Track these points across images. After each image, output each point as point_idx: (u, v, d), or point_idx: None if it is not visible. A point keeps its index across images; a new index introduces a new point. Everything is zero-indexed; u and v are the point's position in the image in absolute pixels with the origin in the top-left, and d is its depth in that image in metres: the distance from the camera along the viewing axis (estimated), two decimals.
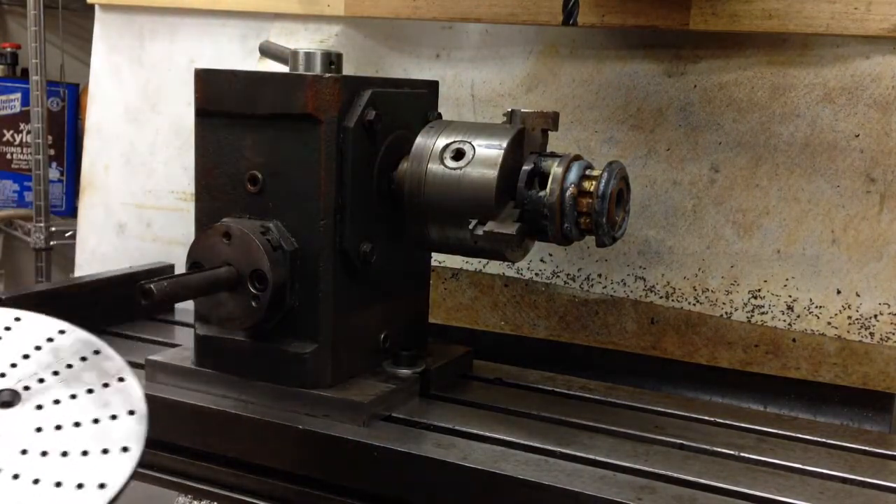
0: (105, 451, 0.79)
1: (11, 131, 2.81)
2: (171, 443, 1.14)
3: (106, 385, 0.84)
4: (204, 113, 1.15)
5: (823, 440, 1.14)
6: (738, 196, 1.37)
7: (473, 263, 1.55)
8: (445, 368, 1.25)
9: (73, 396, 0.83)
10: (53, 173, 2.73)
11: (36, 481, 0.76)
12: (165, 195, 1.81)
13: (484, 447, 1.05)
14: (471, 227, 1.05)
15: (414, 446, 1.03)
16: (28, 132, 2.71)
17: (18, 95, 2.77)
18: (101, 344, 0.89)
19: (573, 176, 1.04)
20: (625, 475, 0.99)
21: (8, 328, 0.89)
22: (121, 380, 0.85)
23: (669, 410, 1.21)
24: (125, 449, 0.79)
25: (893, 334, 1.30)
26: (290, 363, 1.11)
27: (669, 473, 1.00)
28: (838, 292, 1.33)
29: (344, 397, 1.09)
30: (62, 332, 0.90)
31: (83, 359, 0.87)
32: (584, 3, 1.37)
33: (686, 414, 1.20)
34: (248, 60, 1.68)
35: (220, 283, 1.07)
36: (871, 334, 1.31)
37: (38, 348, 0.88)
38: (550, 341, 1.51)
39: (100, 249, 1.89)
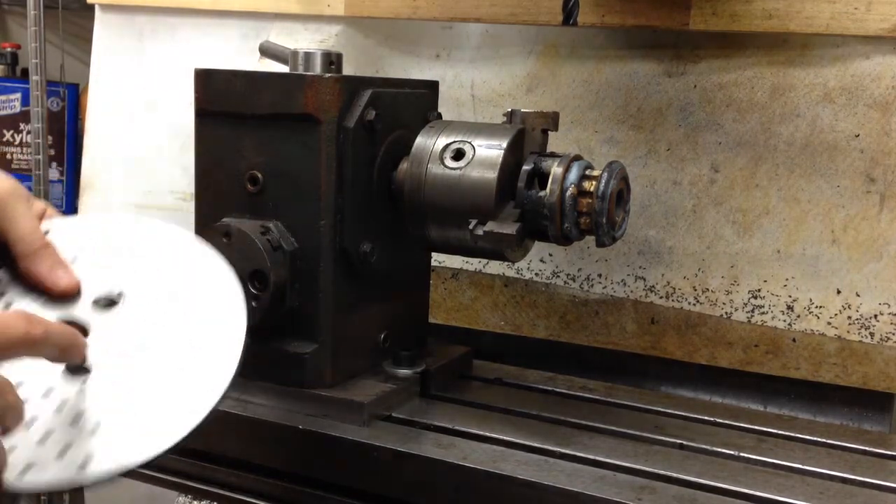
0: (212, 341, 0.80)
1: (11, 131, 2.80)
2: None
3: (195, 270, 0.86)
4: (204, 113, 1.15)
5: (823, 440, 1.14)
6: (738, 196, 1.37)
7: (473, 263, 1.55)
8: (445, 368, 1.25)
9: (174, 293, 0.84)
10: (53, 173, 2.73)
11: (149, 377, 0.77)
12: (165, 195, 1.80)
13: (484, 447, 1.05)
14: (471, 227, 1.05)
15: (414, 446, 1.03)
16: (28, 132, 2.71)
17: (18, 95, 2.77)
18: (183, 233, 0.90)
19: (573, 176, 1.04)
20: (625, 475, 0.99)
21: (85, 232, 0.90)
22: (201, 253, 0.86)
23: (669, 410, 1.21)
24: (226, 340, 0.80)
25: (893, 334, 1.30)
26: (290, 363, 1.11)
27: (669, 473, 1.00)
28: (838, 292, 1.33)
29: (344, 397, 1.09)
30: (138, 221, 0.91)
31: (167, 249, 0.88)
32: (584, 3, 1.37)
33: (686, 414, 1.20)
34: (248, 60, 1.68)
35: None
36: (871, 334, 1.31)
37: (120, 248, 0.88)
38: (550, 341, 1.51)
39: None
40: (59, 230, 0.89)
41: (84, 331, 0.81)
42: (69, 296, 0.84)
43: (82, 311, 0.83)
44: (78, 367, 0.78)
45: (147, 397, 0.77)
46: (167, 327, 0.82)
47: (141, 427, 0.76)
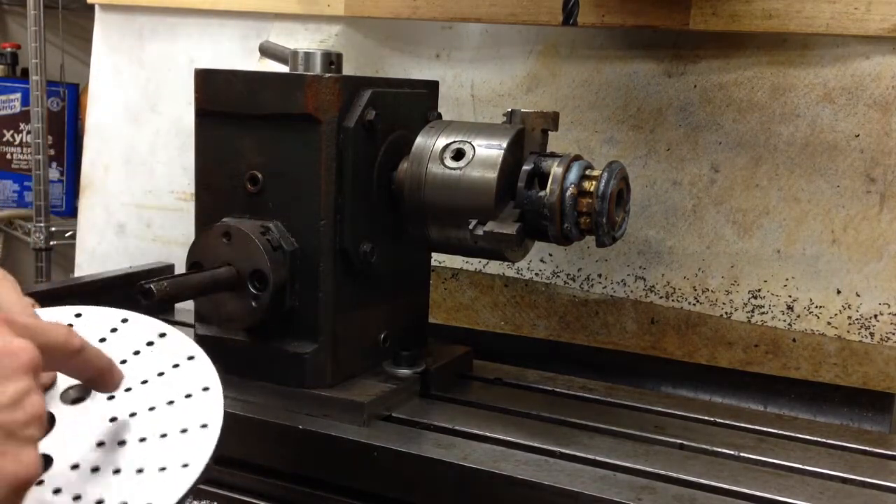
0: (184, 431, 0.76)
1: (11, 131, 2.80)
2: None
3: (176, 366, 0.82)
4: (204, 113, 1.15)
5: (823, 440, 1.14)
6: (738, 196, 1.37)
7: (473, 263, 1.55)
8: (445, 368, 1.25)
9: (145, 382, 0.81)
10: (53, 173, 2.73)
11: (117, 471, 0.74)
12: (165, 195, 1.80)
13: (484, 447, 1.05)
14: (471, 227, 1.05)
15: (414, 446, 1.03)
16: (28, 132, 2.71)
17: (18, 95, 2.77)
18: (166, 327, 0.87)
19: (573, 176, 1.04)
20: (625, 475, 0.99)
21: (70, 325, 0.86)
22: (190, 358, 0.83)
23: (669, 410, 1.21)
24: (204, 426, 0.77)
25: (893, 334, 1.30)
26: (290, 363, 1.11)
27: (669, 473, 1.00)
28: (838, 292, 1.33)
29: (344, 397, 1.09)
30: (125, 320, 0.88)
31: (150, 343, 0.85)
32: (584, 3, 1.37)
33: (686, 414, 1.20)
34: (248, 60, 1.68)
35: (220, 283, 1.07)
36: (871, 334, 1.31)
37: (102, 340, 0.85)
38: (550, 341, 1.51)
39: (100, 249, 1.89)
40: (49, 317, 0.84)
41: (51, 421, 0.78)
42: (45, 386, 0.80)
43: (52, 402, 0.79)
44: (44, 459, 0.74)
45: (109, 491, 0.73)
46: (134, 426, 0.78)
47: None
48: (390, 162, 1.15)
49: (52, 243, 2.61)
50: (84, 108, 2.43)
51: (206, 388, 0.80)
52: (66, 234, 2.60)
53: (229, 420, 1.08)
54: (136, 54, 1.83)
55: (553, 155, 1.10)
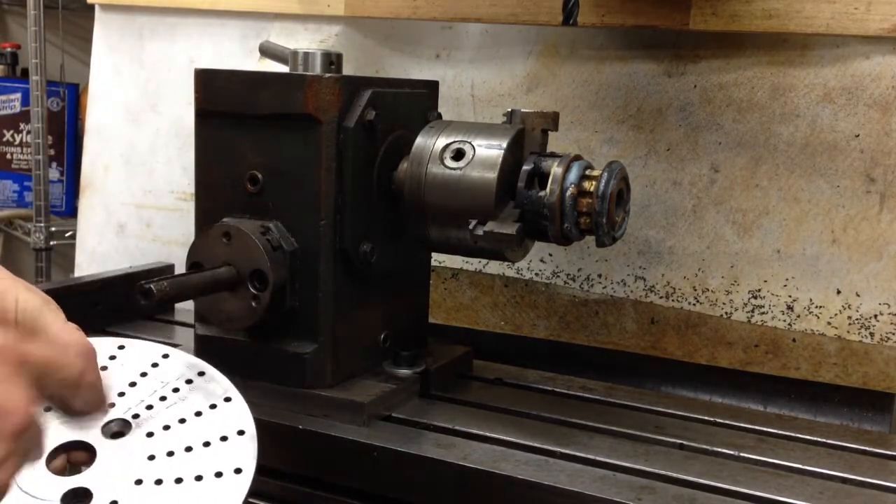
0: (219, 475, 0.78)
1: (11, 131, 2.81)
2: None
3: (213, 406, 0.84)
4: (204, 113, 1.15)
5: (823, 440, 1.14)
6: (738, 196, 1.37)
7: (473, 263, 1.55)
8: (445, 368, 1.25)
9: (182, 421, 0.82)
10: (53, 173, 2.73)
11: None
12: (165, 195, 1.81)
13: (484, 447, 1.05)
14: (471, 227, 1.05)
15: (414, 446, 1.03)
16: (28, 132, 2.71)
17: (18, 95, 2.77)
18: (205, 366, 0.88)
19: (573, 176, 1.04)
20: (625, 475, 0.99)
21: (112, 357, 0.88)
22: (227, 399, 0.84)
23: (669, 410, 1.21)
24: (238, 471, 0.78)
25: (893, 334, 1.30)
26: (290, 363, 1.11)
27: (669, 473, 1.00)
28: (838, 292, 1.33)
29: (344, 397, 1.09)
30: (166, 356, 0.89)
31: (189, 381, 0.86)
32: (584, 3, 1.37)
33: (686, 414, 1.20)
34: (248, 60, 1.68)
35: (220, 283, 1.07)
36: (871, 334, 1.31)
37: (143, 375, 0.87)
38: (550, 341, 1.51)
39: (100, 249, 1.89)
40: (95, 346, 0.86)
41: (92, 455, 0.80)
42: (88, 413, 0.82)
43: (93, 434, 0.81)
44: (80, 494, 0.76)
45: None
46: (171, 465, 0.79)
47: None
48: (390, 162, 1.15)
49: (52, 243, 2.61)
50: (84, 108, 2.43)
51: (241, 432, 0.82)
52: (66, 234, 2.60)
53: None
54: (136, 54, 1.83)
55: (553, 155, 1.10)
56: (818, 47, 1.31)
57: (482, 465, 0.99)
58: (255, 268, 1.07)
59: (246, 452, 0.80)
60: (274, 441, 1.08)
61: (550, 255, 1.49)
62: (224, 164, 1.14)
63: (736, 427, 1.17)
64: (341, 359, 1.13)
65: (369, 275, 1.14)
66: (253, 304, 1.08)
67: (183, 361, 0.89)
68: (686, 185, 1.40)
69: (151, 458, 0.79)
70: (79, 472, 0.79)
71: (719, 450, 1.08)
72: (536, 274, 1.51)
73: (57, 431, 0.81)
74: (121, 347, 0.90)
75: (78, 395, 0.81)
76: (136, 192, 1.84)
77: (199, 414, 0.83)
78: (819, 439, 1.14)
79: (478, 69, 1.53)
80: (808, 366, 1.35)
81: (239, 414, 0.84)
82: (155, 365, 0.88)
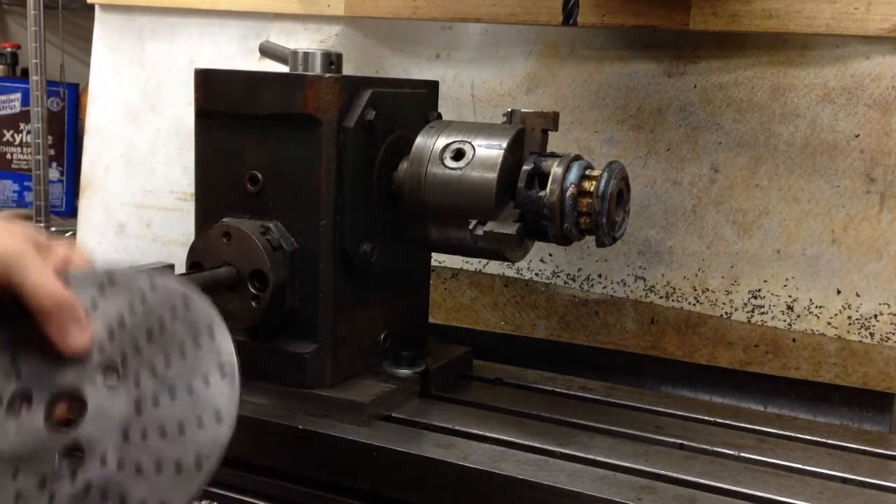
0: (200, 424, 0.79)
1: (11, 131, 2.80)
2: None
3: (197, 341, 0.84)
4: (204, 113, 1.15)
5: (823, 440, 1.14)
6: (738, 196, 1.37)
7: (473, 263, 1.55)
8: (445, 368, 1.25)
9: (168, 363, 0.82)
10: (53, 173, 2.73)
11: (138, 468, 0.76)
12: (165, 195, 1.80)
13: (484, 447, 1.05)
14: (471, 227, 1.05)
15: (414, 446, 1.03)
16: (28, 132, 2.71)
17: (18, 95, 2.77)
18: (188, 293, 0.87)
19: (573, 176, 1.04)
20: (625, 475, 0.99)
21: (102, 291, 0.88)
22: (210, 331, 0.84)
23: (669, 410, 1.21)
24: (219, 416, 0.79)
25: (893, 334, 1.30)
26: (290, 363, 1.11)
27: (669, 473, 1.00)
28: (838, 292, 1.33)
29: (344, 397, 1.09)
30: (153, 286, 0.88)
31: (173, 312, 0.86)
32: (584, 3, 1.37)
33: (686, 414, 1.20)
34: (248, 60, 1.68)
35: (220, 283, 1.07)
36: (871, 334, 1.31)
37: (131, 309, 0.86)
38: (550, 341, 1.51)
39: (100, 249, 1.89)
40: (81, 281, 0.87)
41: (83, 405, 0.80)
42: (79, 356, 0.82)
43: (85, 376, 0.82)
44: (74, 450, 0.77)
45: (146, 470, 0.76)
46: (156, 415, 0.80)
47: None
48: (390, 162, 1.15)
49: None
50: (84, 108, 2.43)
51: (222, 372, 0.82)
52: (66, 234, 2.59)
53: None
54: (136, 54, 1.83)
55: (553, 155, 1.10)
56: (818, 47, 1.31)
57: (482, 465, 0.99)
58: (255, 268, 1.07)
59: (227, 395, 0.80)
60: (274, 441, 1.08)
61: (550, 255, 1.49)
62: (224, 164, 1.14)
63: (736, 427, 1.17)
64: (341, 359, 1.13)
65: (369, 275, 1.14)
66: (253, 304, 1.08)
67: (168, 290, 0.88)
68: (686, 185, 1.40)
69: (138, 407, 0.80)
70: (73, 424, 0.79)
71: (719, 450, 1.09)
72: (536, 274, 1.51)
73: (49, 382, 0.81)
74: (109, 280, 0.89)
75: (60, 344, 0.82)
76: (136, 192, 1.84)
77: (183, 353, 0.83)
78: (819, 439, 1.14)
79: (478, 69, 1.53)
80: (808, 366, 1.35)
81: (221, 351, 0.84)
82: (142, 298, 0.87)
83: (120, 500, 0.75)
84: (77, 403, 0.81)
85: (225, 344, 0.84)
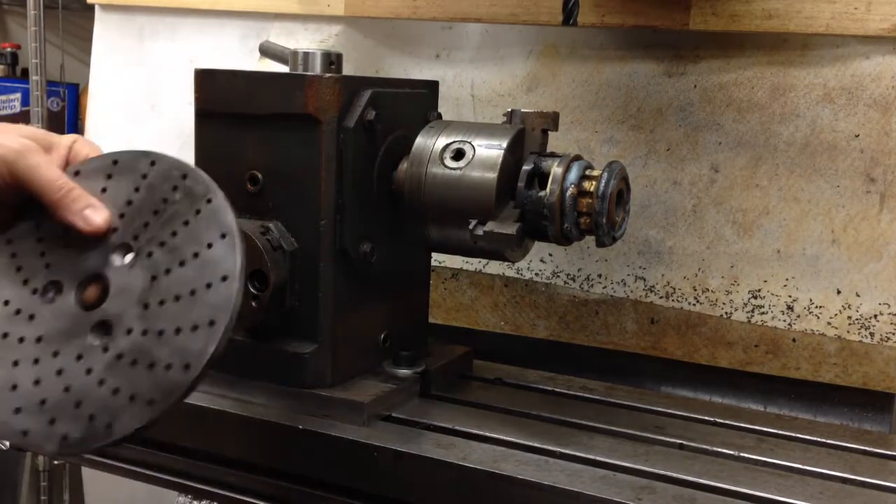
0: (209, 286, 0.85)
1: None
2: (171, 443, 1.15)
3: (198, 211, 0.89)
4: (204, 113, 1.15)
5: (823, 440, 1.14)
6: (738, 196, 1.37)
7: (473, 263, 1.55)
8: (445, 368, 1.25)
9: (174, 234, 0.89)
10: None
11: (160, 332, 0.84)
12: None
13: (484, 447, 1.05)
14: (471, 227, 1.05)
15: (414, 446, 1.03)
16: None
17: (18, 95, 2.77)
18: (186, 167, 0.94)
19: (573, 176, 1.04)
20: (625, 475, 0.99)
21: (109, 175, 0.97)
22: (209, 201, 0.90)
23: (669, 410, 1.21)
24: (224, 278, 0.85)
25: (893, 334, 1.30)
26: (290, 363, 1.11)
27: (669, 473, 1.00)
28: (838, 292, 1.33)
29: (344, 397, 1.09)
30: (153, 163, 0.96)
31: (174, 187, 0.92)
32: (584, 3, 1.37)
33: (686, 414, 1.20)
34: (248, 60, 1.68)
35: None
36: (871, 334, 1.31)
37: (136, 190, 0.94)
38: (550, 341, 1.51)
39: None
40: (89, 170, 0.97)
41: (106, 286, 0.88)
42: (102, 234, 0.91)
43: (105, 258, 0.90)
44: (102, 326, 0.86)
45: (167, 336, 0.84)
46: (170, 283, 0.86)
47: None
48: (390, 162, 1.15)
49: None
50: (84, 108, 2.43)
51: (223, 236, 0.87)
52: None
53: (230, 420, 1.09)
54: (136, 54, 1.83)
55: (553, 155, 1.10)
56: (818, 47, 1.31)
57: (482, 465, 0.99)
58: (255, 268, 1.07)
59: (230, 257, 0.86)
60: (274, 441, 1.08)
61: (550, 255, 1.49)
62: (224, 164, 1.14)
63: (736, 427, 1.17)
64: (341, 359, 1.13)
65: (369, 275, 1.14)
66: (253, 304, 1.08)
67: (167, 166, 0.95)
68: (686, 185, 1.40)
69: (154, 278, 0.87)
70: (99, 304, 0.88)
71: (719, 450, 1.09)
72: (536, 274, 1.51)
73: (75, 269, 0.90)
74: (115, 163, 0.98)
75: (81, 227, 0.90)
76: None
77: (186, 223, 0.89)
78: (819, 439, 1.14)
79: (478, 69, 1.53)
80: (808, 366, 1.35)
81: (220, 217, 0.89)
82: (144, 176, 0.95)
83: (149, 365, 0.82)
84: (101, 283, 0.89)
85: (222, 209, 0.89)
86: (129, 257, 0.90)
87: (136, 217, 0.91)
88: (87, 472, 2.10)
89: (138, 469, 1.19)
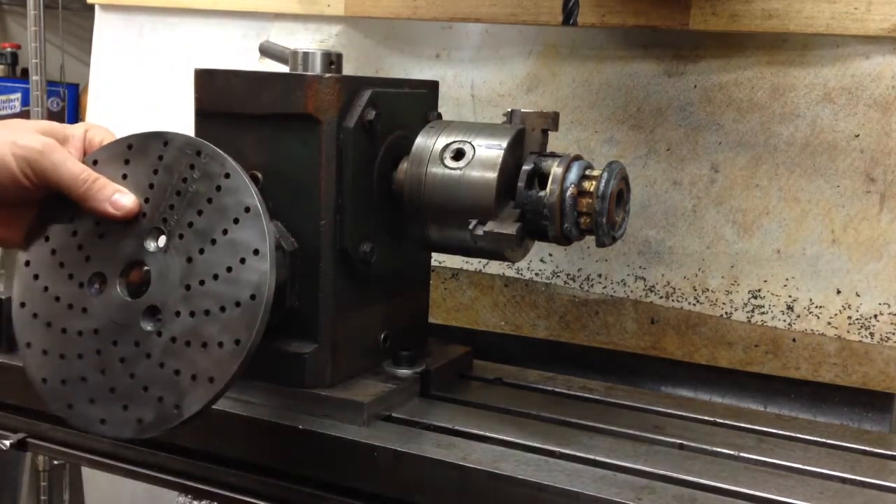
0: (242, 261, 0.89)
1: None
2: (170, 443, 1.15)
3: (218, 188, 0.92)
4: (204, 113, 1.15)
5: (823, 440, 1.14)
6: (738, 196, 1.37)
7: (473, 263, 1.55)
8: (445, 368, 1.25)
9: (200, 213, 0.92)
10: None
11: (206, 312, 0.88)
12: None
13: (484, 447, 1.05)
14: (471, 227, 1.05)
15: (414, 446, 1.03)
16: None
17: (18, 95, 2.77)
18: (199, 143, 0.96)
19: (573, 176, 1.04)
20: (625, 475, 0.99)
21: (127, 161, 0.98)
22: (227, 176, 0.93)
23: (669, 410, 1.21)
24: (256, 252, 0.88)
25: (893, 334, 1.30)
26: (290, 363, 1.11)
27: (669, 473, 1.00)
28: (838, 292, 1.33)
29: (344, 397, 1.09)
30: (166, 143, 0.97)
31: (191, 166, 0.94)
32: (584, 3, 1.37)
33: (686, 414, 1.20)
34: (248, 60, 1.68)
35: None
36: (871, 334, 1.31)
37: (155, 172, 0.96)
38: (550, 341, 1.51)
39: None
40: (107, 157, 0.98)
41: (147, 274, 0.92)
42: (133, 217, 0.93)
43: (140, 244, 0.94)
44: (152, 311, 0.90)
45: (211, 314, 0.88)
46: (205, 263, 0.90)
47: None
48: (390, 162, 1.15)
49: None
50: (84, 108, 2.43)
51: (247, 209, 0.90)
52: None
53: (230, 420, 1.09)
54: (136, 54, 1.83)
55: (553, 155, 1.10)
56: (818, 47, 1.31)
57: (482, 465, 0.99)
58: None
59: (257, 230, 0.89)
60: (274, 441, 1.08)
61: (550, 255, 1.49)
62: None
63: (736, 427, 1.17)
64: (341, 359, 1.13)
65: (369, 275, 1.14)
66: None
67: (181, 144, 0.96)
68: (686, 185, 1.40)
69: (189, 260, 0.90)
70: (143, 291, 0.91)
71: (719, 450, 1.08)
72: (536, 274, 1.51)
73: (114, 259, 0.94)
74: (129, 147, 0.98)
75: (111, 213, 0.93)
76: None
77: (210, 201, 0.92)
78: (819, 439, 1.14)
79: (478, 69, 1.53)
80: (808, 366, 1.35)
81: (241, 189, 0.92)
82: (161, 157, 0.96)
83: (202, 344, 0.86)
84: (140, 268, 0.93)
85: (241, 182, 0.92)
86: (162, 240, 0.92)
87: (161, 200, 0.94)
88: (87, 472, 2.10)
89: (138, 469, 1.19)
